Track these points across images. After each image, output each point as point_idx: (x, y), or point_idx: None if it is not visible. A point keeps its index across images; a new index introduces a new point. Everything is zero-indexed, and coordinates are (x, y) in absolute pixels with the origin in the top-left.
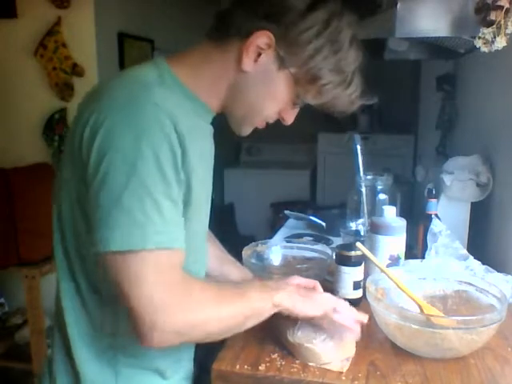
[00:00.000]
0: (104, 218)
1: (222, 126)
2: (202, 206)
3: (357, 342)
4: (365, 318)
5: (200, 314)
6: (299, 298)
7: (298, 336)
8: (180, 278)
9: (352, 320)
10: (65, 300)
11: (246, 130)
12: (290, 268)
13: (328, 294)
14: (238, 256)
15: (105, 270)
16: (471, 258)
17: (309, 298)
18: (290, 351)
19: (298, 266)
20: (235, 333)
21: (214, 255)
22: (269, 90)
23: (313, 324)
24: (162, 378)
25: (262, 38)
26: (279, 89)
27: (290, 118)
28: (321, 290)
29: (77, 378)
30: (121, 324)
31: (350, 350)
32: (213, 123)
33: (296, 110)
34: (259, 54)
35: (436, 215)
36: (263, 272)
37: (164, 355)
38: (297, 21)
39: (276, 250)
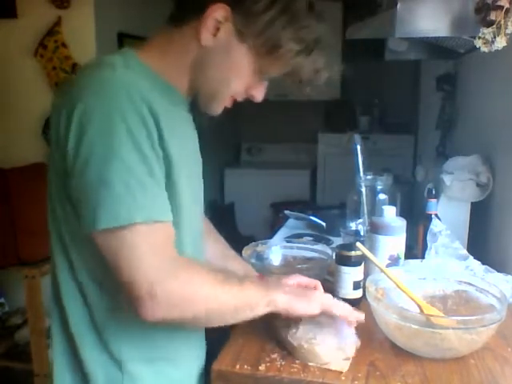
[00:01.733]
0: (89, 200)
1: (222, 126)
2: (192, 185)
3: (357, 337)
4: (361, 315)
5: (193, 288)
6: (295, 297)
7: (298, 337)
8: (174, 251)
9: (350, 315)
10: (66, 298)
11: (216, 108)
12: (289, 268)
13: (325, 293)
14: None
15: (98, 252)
16: (471, 258)
17: (305, 297)
18: (289, 352)
19: (298, 266)
20: (221, 323)
21: (217, 251)
22: (231, 64)
23: (312, 324)
24: (174, 367)
25: (219, 11)
26: (242, 62)
27: (258, 94)
28: (321, 289)
29: (82, 373)
30: (123, 314)
31: (350, 350)
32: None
33: (264, 86)
34: (218, 29)
35: (436, 215)
36: (263, 272)
37: (172, 341)
38: None
39: (276, 250)
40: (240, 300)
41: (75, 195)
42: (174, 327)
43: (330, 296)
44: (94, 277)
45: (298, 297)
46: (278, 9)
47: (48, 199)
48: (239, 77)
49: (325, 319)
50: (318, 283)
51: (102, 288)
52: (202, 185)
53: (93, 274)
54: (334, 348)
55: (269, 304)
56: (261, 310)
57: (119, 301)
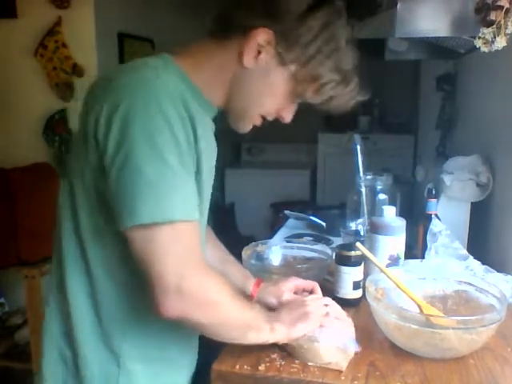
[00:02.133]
0: (129, 194)
1: (223, 126)
2: (206, 192)
3: (356, 342)
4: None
5: (218, 295)
6: (293, 325)
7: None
8: (202, 252)
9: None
10: (73, 292)
11: (245, 127)
12: (289, 268)
13: (317, 300)
14: (237, 256)
15: (128, 247)
16: (471, 258)
17: (302, 319)
18: (289, 352)
19: (298, 266)
20: (228, 338)
21: (216, 255)
22: (268, 87)
23: None
24: (171, 369)
25: (262, 35)
26: (278, 85)
27: (288, 116)
28: (319, 291)
29: (76, 366)
30: (132, 312)
31: (350, 349)
32: (214, 122)
33: (294, 108)
34: (259, 52)
35: (436, 215)
36: (263, 272)
37: (172, 343)
38: (297, 22)
39: (276, 250)
40: (252, 320)
41: (112, 189)
42: (177, 330)
43: (327, 300)
44: (110, 274)
45: (295, 322)
46: (322, 41)
47: (63, 196)
48: (274, 99)
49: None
50: (316, 285)
51: (117, 285)
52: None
53: (110, 271)
54: (333, 347)
55: (272, 330)
56: (266, 335)
57: (131, 299)
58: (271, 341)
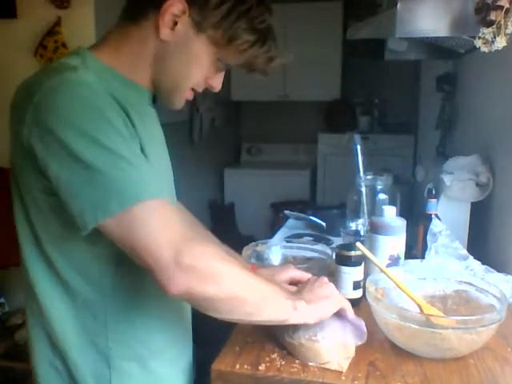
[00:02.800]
0: (85, 192)
1: (222, 126)
2: (162, 176)
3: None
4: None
5: (220, 262)
6: (317, 304)
7: (298, 335)
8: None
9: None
10: (47, 297)
11: (178, 102)
12: None
13: (339, 294)
14: None
15: (95, 245)
16: (471, 257)
17: (325, 299)
18: (289, 351)
19: (298, 266)
20: (245, 316)
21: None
22: (191, 56)
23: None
24: (162, 363)
25: (176, 5)
26: (200, 54)
27: (217, 84)
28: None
29: (69, 372)
30: (111, 310)
31: (351, 348)
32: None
33: (222, 76)
34: (175, 23)
35: (436, 215)
36: None
37: (157, 337)
38: None
39: (276, 250)
40: (269, 291)
41: (63, 193)
42: (161, 321)
43: (342, 297)
44: (81, 276)
45: (318, 302)
46: (232, 1)
47: (15, 202)
48: (199, 68)
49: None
50: (311, 278)
51: (90, 286)
52: (172, 179)
53: (80, 273)
54: (334, 347)
55: (294, 308)
56: (286, 312)
57: (108, 298)
58: (291, 321)
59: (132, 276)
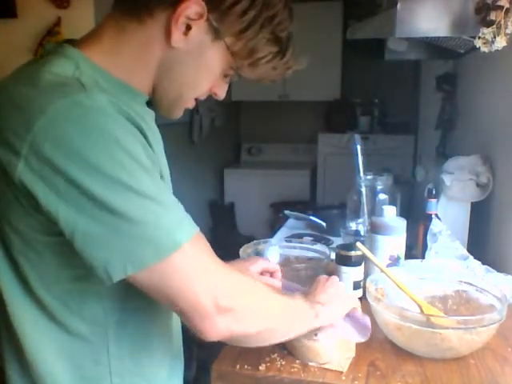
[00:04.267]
0: (115, 241)
1: (222, 126)
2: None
3: (357, 342)
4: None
5: (253, 295)
6: (333, 305)
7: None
8: (220, 261)
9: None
10: (37, 349)
11: (178, 112)
12: (287, 267)
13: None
14: (237, 256)
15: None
16: (471, 257)
17: (338, 298)
18: (289, 351)
19: (295, 266)
20: (278, 340)
21: None
22: (202, 66)
23: None
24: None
25: (193, 8)
26: (213, 63)
27: (222, 93)
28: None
29: None
30: (116, 354)
31: (351, 348)
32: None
33: (227, 84)
34: (189, 27)
35: (436, 215)
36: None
37: (165, 369)
38: None
39: (274, 250)
40: (294, 309)
41: (79, 241)
42: (162, 355)
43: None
44: (83, 316)
45: (333, 302)
46: (260, 5)
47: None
48: (209, 78)
49: None
50: (278, 270)
51: (93, 326)
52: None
53: (83, 312)
54: (335, 346)
55: (316, 315)
56: (311, 321)
57: (111, 337)
58: (316, 325)
59: (138, 311)
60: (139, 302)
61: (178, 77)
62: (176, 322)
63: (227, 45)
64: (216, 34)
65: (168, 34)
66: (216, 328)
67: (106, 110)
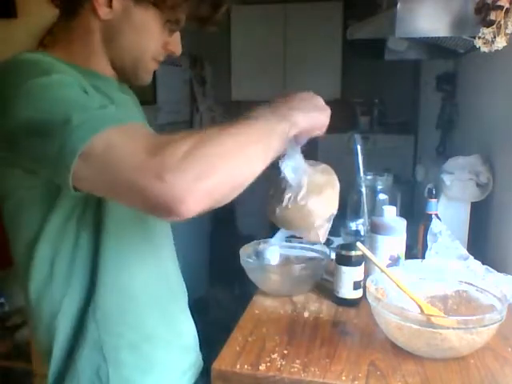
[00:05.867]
0: (49, 144)
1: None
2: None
3: (357, 342)
4: None
5: (204, 143)
6: (311, 113)
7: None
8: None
9: None
10: (40, 298)
11: (145, 76)
12: (287, 267)
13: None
14: (237, 256)
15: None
16: (471, 257)
17: (317, 109)
18: (278, 221)
19: (295, 266)
20: (250, 164)
21: None
22: (138, 27)
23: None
24: (154, 347)
25: None
26: (146, 22)
27: (176, 48)
28: None
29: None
30: (101, 303)
31: (334, 204)
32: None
33: (178, 39)
34: (111, 0)
35: (436, 215)
36: (260, 271)
37: (147, 319)
38: None
39: (274, 250)
40: (259, 130)
41: (30, 160)
42: (150, 303)
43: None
44: (67, 270)
45: (311, 112)
46: None
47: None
48: (150, 37)
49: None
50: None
51: (78, 276)
52: None
53: (70, 263)
54: (319, 202)
55: (292, 125)
56: (283, 127)
57: (87, 288)
58: (291, 131)
59: (117, 257)
60: (123, 247)
61: (122, 44)
62: (172, 268)
63: (148, 1)
64: None
65: (96, 12)
66: (185, 197)
67: (49, 60)
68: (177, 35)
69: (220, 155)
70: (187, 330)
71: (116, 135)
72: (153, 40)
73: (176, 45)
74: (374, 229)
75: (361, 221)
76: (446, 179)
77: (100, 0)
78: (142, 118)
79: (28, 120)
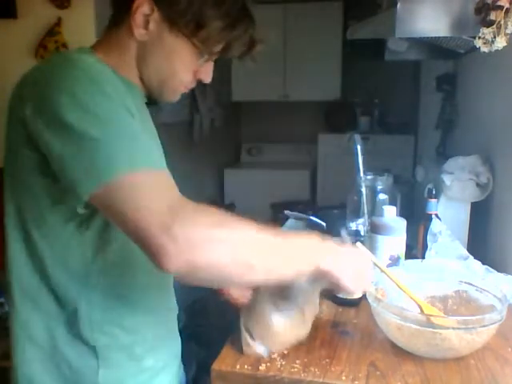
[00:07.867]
0: (79, 160)
1: (222, 126)
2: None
3: (357, 342)
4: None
5: (218, 228)
6: (349, 272)
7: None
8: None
9: None
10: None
11: (169, 97)
12: None
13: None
14: None
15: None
16: (471, 257)
17: (359, 274)
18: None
19: None
20: (251, 276)
21: None
22: (169, 53)
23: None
24: (156, 347)
25: (144, 5)
26: (178, 48)
27: (206, 77)
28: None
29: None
30: (97, 304)
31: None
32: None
33: (210, 67)
34: (148, 22)
35: (436, 215)
36: None
37: (149, 327)
38: None
39: None
40: (280, 247)
41: (56, 166)
42: (146, 310)
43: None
44: (62, 265)
45: (346, 275)
46: None
47: (6, 193)
48: (181, 63)
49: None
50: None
51: (76, 277)
52: None
53: (62, 261)
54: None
55: (316, 267)
56: (307, 267)
57: (86, 287)
58: (318, 273)
59: (118, 262)
60: (121, 252)
61: (152, 66)
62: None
63: (182, 28)
64: (170, 22)
65: (132, 32)
66: (170, 257)
67: (94, 64)
68: (209, 64)
69: (236, 259)
70: (175, 343)
71: (147, 178)
72: (182, 67)
73: (207, 74)
74: (374, 229)
75: (361, 221)
76: (446, 179)
77: (138, 21)
78: (154, 131)
79: (77, 130)
